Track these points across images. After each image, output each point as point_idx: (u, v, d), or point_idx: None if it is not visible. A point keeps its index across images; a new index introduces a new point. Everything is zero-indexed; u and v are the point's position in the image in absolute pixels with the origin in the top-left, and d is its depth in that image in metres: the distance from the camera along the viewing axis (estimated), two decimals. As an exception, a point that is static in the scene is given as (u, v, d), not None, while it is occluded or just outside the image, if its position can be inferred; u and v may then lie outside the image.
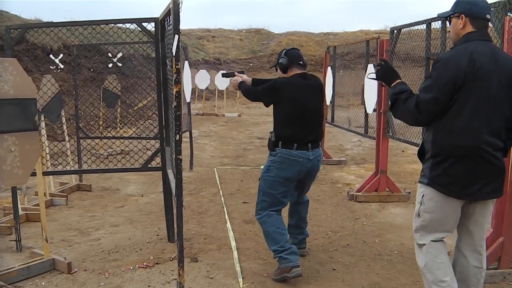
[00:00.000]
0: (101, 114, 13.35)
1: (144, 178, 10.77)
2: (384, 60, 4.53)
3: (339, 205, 8.63)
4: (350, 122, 11.62)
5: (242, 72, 6.43)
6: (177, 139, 4.16)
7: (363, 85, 9.58)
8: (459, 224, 4.25)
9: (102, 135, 12.39)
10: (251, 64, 34.28)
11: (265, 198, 5.66)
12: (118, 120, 14.36)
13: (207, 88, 25.75)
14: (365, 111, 9.79)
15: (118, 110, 14.21)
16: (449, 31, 4.31)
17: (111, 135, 12.67)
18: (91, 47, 10.97)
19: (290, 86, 5.61)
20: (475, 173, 3.97)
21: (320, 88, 5.85)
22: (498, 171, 4.04)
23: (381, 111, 8.81)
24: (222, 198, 9.02)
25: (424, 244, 4.26)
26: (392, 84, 4.36)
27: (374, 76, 4.54)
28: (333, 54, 12.11)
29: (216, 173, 11.27)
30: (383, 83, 4.51)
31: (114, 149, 13.09)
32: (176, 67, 4.10)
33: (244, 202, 8.71)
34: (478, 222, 4.23)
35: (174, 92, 4.14)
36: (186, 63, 10.68)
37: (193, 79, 21.07)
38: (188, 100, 11.28)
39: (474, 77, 3.89)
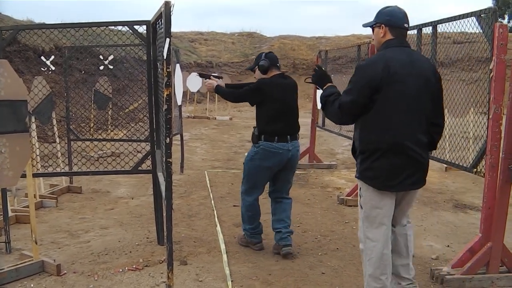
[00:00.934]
0: (92, 116, 13.36)
1: (135, 180, 10.76)
2: (319, 66, 5.10)
3: (329, 209, 8.66)
4: (341, 126, 11.64)
5: (219, 78, 6.90)
6: (167, 142, 4.17)
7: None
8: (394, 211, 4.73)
9: (93, 137, 12.39)
10: (243, 67, 34.25)
11: (247, 183, 6.56)
12: (109, 122, 14.35)
13: (198, 91, 25.78)
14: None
15: (109, 112, 14.20)
16: (373, 39, 4.84)
17: (101, 137, 12.66)
18: (83, 49, 10.97)
19: (272, 86, 6.37)
20: (397, 166, 4.43)
21: (295, 87, 6.56)
22: (420, 165, 4.52)
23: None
24: (212, 201, 9.04)
25: (369, 238, 4.68)
26: (324, 87, 4.86)
27: (310, 80, 5.06)
28: (325, 58, 12.15)
29: (206, 176, 11.28)
30: (317, 86, 4.99)
31: (104, 151, 13.08)
32: (167, 70, 4.12)
33: (234, 206, 8.72)
34: (403, 210, 4.81)
35: (165, 95, 4.16)
36: (178, 66, 10.68)
37: (184, 82, 21.05)
38: (179, 103, 11.27)
39: (390, 80, 4.35)
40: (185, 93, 20.69)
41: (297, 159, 6.56)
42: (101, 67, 15.28)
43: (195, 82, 24.25)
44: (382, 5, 4.73)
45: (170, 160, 4.18)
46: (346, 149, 15.61)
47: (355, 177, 4.73)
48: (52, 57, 12.81)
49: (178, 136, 11.66)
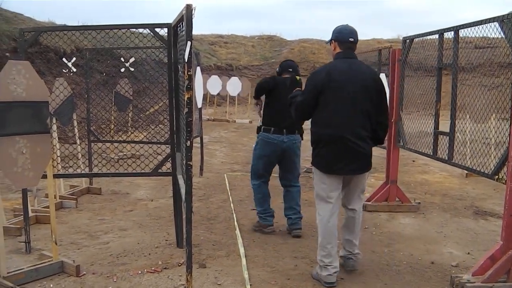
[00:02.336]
0: (112, 118, 13.41)
1: (154, 182, 10.78)
2: (293, 76, 7.19)
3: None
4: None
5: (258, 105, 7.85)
6: (187, 145, 4.17)
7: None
8: (344, 193, 5.91)
9: (113, 139, 12.42)
10: (263, 71, 34.27)
11: (252, 168, 7.68)
12: (129, 124, 14.40)
13: (218, 94, 25.80)
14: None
15: (130, 114, 14.25)
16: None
17: (122, 139, 12.69)
18: (104, 51, 11.02)
19: (272, 84, 7.44)
20: (338, 155, 5.58)
21: (298, 86, 7.07)
22: (359, 154, 5.59)
23: (392, 120, 8.78)
24: (232, 205, 9.03)
25: (319, 213, 5.77)
26: (294, 91, 6.32)
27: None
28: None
29: (226, 179, 11.28)
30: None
31: (124, 153, 13.13)
32: (188, 73, 4.12)
33: (253, 209, 8.69)
34: (351, 190, 5.90)
35: (186, 99, 4.15)
36: (198, 69, 10.70)
37: (205, 85, 21.10)
38: (199, 105, 11.29)
39: (330, 85, 5.56)
40: (205, 96, 20.75)
41: (293, 150, 7.45)
42: (122, 69, 15.34)
43: (215, 85, 24.31)
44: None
45: (191, 163, 4.18)
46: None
47: (311, 163, 5.87)
48: (74, 59, 12.84)
49: (198, 139, 11.69)
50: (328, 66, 5.78)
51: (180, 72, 5.39)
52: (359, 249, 6.11)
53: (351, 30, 5.88)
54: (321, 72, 5.72)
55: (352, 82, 5.58)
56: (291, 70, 7.62)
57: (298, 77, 7.21)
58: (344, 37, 5.81)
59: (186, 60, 4.14)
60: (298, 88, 6.41)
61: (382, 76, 8.97)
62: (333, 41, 5.89)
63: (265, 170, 7.56)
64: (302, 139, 7.62)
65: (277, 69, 7.82)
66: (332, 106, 5.56)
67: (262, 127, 7.47)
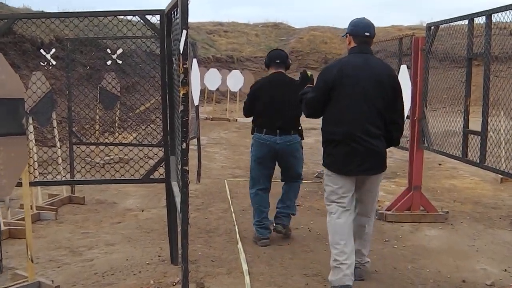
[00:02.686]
0: (97, 117, 13.41)
1: (145, 190, 10.78)
2: (304, 71, 6.98)
3: (366, 225, 8.60)
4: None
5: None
6: (183, 147, 4.15)
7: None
8: (356, 198, 6.16)
9: (98, 141, 12.43)
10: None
11: (250, 173, 8.01)
12: (116, 124, 14.40)
13: (217, 89, 25.82)
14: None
15: (117, 113, 14.25)
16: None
17: (108, 141, 12.72)
18: (88, 42, 11.03)
19: (258, 86, 7.97)
20: (349, 154, 5.85)
21: (289, 85, 7.66)
22: (372, 153, 5.85)
23: (415, 118, 8.77)
24: (233, 215, 9.03)
25: (330, 212, 6.06)
26: (305, 87, 6.63)
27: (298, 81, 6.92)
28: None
29: (226, 186, 11.28)
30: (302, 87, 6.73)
31: (111, 157, 13.11)
32: (184, 66, 4.10)
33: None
34: (366, 193, 6.17)
35: (181, 95, 4.13)
36: (195, 61, 10.68)
37: (202, 79, 21.11)
38: (196, 103, 11.28)
39: (342, 81, 5.86)
40: (202, 92, 20.75)
41: (288, 151, 7.71)
42: (108, 62, 15.33)
43: (213, 79, 24.33)
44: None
45: (187, 168, 4.16)
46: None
47: (322, 164, 6.23)
48: (53, 50, 12.86)
49: (195, 141, 11.67)
50: (341, 62, 6.15)
51: (174, 65, 5.38)
52: (368, 257, 6.42)
53: (368, 24, 6.16)
54: (333, 67, 6.07)
55: (365, 78, 5.88)
56: (278, 61, 7.93)
57: (309, 73, 7.17)
58: (359, 31, 6.09)
59: (181, 52, 4.12)
60: (309, 85, 6.66)
61: (404, 68, 8.95)
62: (348, 34, 6.17)
63: (262, 174, 7.85)
64: (303, 139, 7.91)
65: (265, 60, 8.14)
66: (343, 103, 5.87)
67: (255, 128, 7.84)
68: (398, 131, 6.16)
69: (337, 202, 5.99)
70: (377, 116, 5.86)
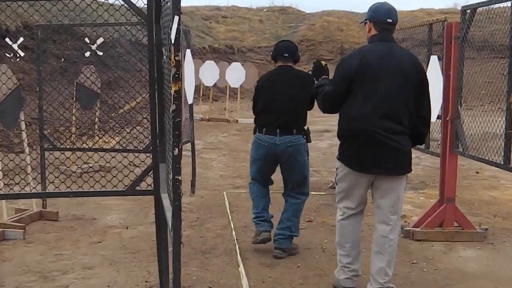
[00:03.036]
0: (74, 118, 13.42)
1: (130, 204, 10.80)
2: (318, 61, 7.43)
3: (390, 245, 8.59)
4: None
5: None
6: (175, 153, 4.15)
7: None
8: (373, 201, 6.55)
9: (75, 146, 12.43)
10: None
11: (250, 170, 8.57)
12: (96, 127, 14.41)
13: (215, 85, 25.84)
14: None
15: (97, 114, 14.26)
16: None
17: (87, 147, 12.72)
18: (62, 29, 11.03)
19: (262, 82, 8.43)
20: (368, 151, 6.21)
21: (296, 79, 8.11)
22: (393, 151, 6.19)
23: (447, 118, 8.76)
24: (234, 233, 9.06)
25: (338, 212, 6.69)
26: (319, 79, 6.99)
27: (311, 72, 7.41)
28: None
29: (225, 199, 11.30)
30: (315, 79, 7.20)
31: (90, 165, 13.14)
32: (176, 58, 4.10)
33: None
34: (384, 196, 6.41)
35: (173, 92, 4.13)
36: (188, 52, 10.70)
37: (197, 74, 21.12)
38: (190, 101, 11.28)
39: (363, 73, 6.21)
40: (197, 88, 20.72)
41: (289, 154, 7.97)
42: (87, 53, 15.33)
43: (210, 73, 24.34)
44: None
45: (179, 178, 4.16)
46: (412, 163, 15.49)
47: (336, 157, 6.68)
48: (21, 39, 12.87)
49: (189, 145, 11.69)
50: (362, 51, 6.49)
51: (164, 57, 5.38)
52: (392, 282, 6.49)
53: (390, 9, 6.46)
54: (354, 57, 6.41)
55: (389, 69, 6.23)
56: (287, 55, 8.22)
57: (323, 62, 7.47)
58: (381, 17, 6.41)
59: (172, 41, 4.12)
60: (324, 76, 7.00)
61: (434, 60, 8.95)
62: (367, 21, 6.51)
63: (262, 175, 8.39)
64: (309, 141, 8.21)
65: (272, 52, 8.50)
66: (364, 96, 6.25)
67: (256, 128, 8.30)
68: (425, 127, 6.55)
69: (346, 203, 6.60)
70: (401, 110, 6.21)
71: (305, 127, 8.19)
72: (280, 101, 8.01)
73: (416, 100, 6.28)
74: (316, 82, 7.12)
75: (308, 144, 8.17)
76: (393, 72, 6.20)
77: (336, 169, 6.70)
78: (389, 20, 6.36)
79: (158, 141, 6.32)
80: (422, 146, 10.16)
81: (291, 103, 7.97)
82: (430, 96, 8.92)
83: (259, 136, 8.14)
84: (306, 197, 8.34)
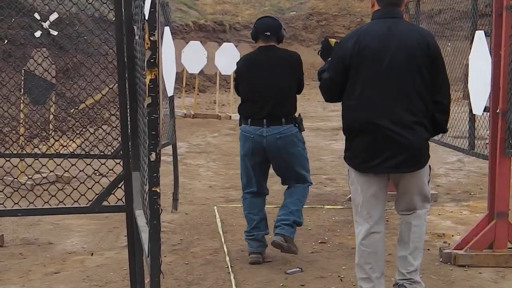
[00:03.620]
0: (22, 115, 13.43)
1: (96, 224, 10.82)
2: (326, 39, 7.85)
3: (425, 271, 8.59)
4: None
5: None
6: (152, 159, 4.17)
7: (467, 66, 9.57)
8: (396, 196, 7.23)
9: (24, 152, 12.45)
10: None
11: (240, 174, 9.21)
12: (51, 127, 14.41)
13: (201, 73, 25.83)
14: (470, 111, 9.76)
15: (52, 110, 14.27)
16: None
17: (39, 152, 12.75)
18: (4, 2, 11.02)
19: (244, 63, 9.11)
20: (373, 147, 6.68)
21: (283, 60, 8.81)
22: (401, 146, 6.60)
23: (497, 110, 8.74)
24: (227, 258, 9.08)
25: (356, 222, 7.08)
26: (326, 62, 7.38)
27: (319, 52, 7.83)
28: (415, 13, 12.15)
29: (217, 215, 11.33)
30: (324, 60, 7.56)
31: (44, 176, 13.13)
32: (151, 38, 4.12)
33: (265, 261, 8.73)
34: (403, 193, 7.08)
35: (148, 81, 4.15)
36: (167, 30, 10.71)
37: (178, 58, 21.11)
38: (170, 93, 11.29)
39: (359, 56, 6.64)
40: (178, 76, 20.70)
41: (282, 148, 8.66)
42: (37, 33, 15.32)
43: (195, 57, 24.30)
44: None
45: (157, 190, 4.17)
46: (452, 168, 15.58)
47: (343, 158, 7.27)
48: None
49: (169, 149, 11.70)
50: (358, 31, 7.02)
51: (136, 37, 5.40)
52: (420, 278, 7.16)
53: None
54: (349, 39, 6.93)
55: (391, 50, 6.67)
56: (268, 33, 8.86)
57: (333, 41, 7.87)
58: None
59: (146, 17, 4.14)
60: (330, 59, 7.35)
61: (480, 35, 8.97)
62: None
63: (250, 174, 9.03)
64: (302, 130, 8.92)
65: (252, 31, 9.22)
66: (364, 84, 6.74)
67: (241, 119, 9.02)
68: (444, 114, 7.01)
69: (361, 212, 6.97)
70: (410, 98, 6.68)
71: (296, 115, 8.83)
72: (264, 87, 8.65)
73: (430, 83, 6.73)
74: (322, 65, 7.51)
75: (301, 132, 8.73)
76: (396, 52, 6.63)
77: (348, 170, 7.19)
78: None
79: (130, 144, 6.35)
80: (465, 147, 10.24)
81: (276, 89, 8.63)
82: (476, 82, 9.01)
83: (244, 128, 8.80)
84: (309, 183, 9.14)
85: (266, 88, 8.64)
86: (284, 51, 9.09)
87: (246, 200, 9.07)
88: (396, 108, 6.60)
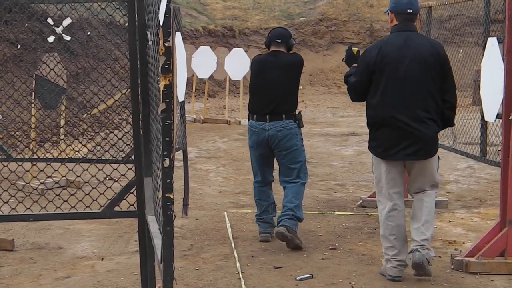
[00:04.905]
0: (33, 120, 13.41)
1: (106, 229, 10.80)
2: (350, 47, 9.30)
3: (437, 279, 8.57)
4: (455, 136, 11.59)
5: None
6: (166, 165, 4.13)
7: (477, 72, 9.53)
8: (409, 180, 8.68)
9: (35, 156, 12.43)
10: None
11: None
12: (63, 131, 14.39)
13: (211, 78, 25.81)
14: (482, 117, 9.71)
15: (63, 114, 14.25)
16: None
17: (51, 157, 12.72)
18: (17, 7, 11.00)
19: (255, 63, 10.39)
20: (392, 138, 8.17)
21: (289, 64, 10.07)
22: (416, 137, 8.12)
23: (510, 117, 8.70)
24: (238, 264, 9.06)
25: (379, 203, 8.57)
26: (351, 67, 8.88)
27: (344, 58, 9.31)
28: (427, 19, 12.12)
29: (227, 221, 11.30)
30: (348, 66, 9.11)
31: (56, 180, 13.10)
32: (165, 44, 4.09)
33: (276, 267, 8.69)
34: (416, 180, 8.52)
35: (162, 87, 4.11)
36: (178, 35, 10.68)
37: (188, 63, 21.08)
38: (181, 98, 11.26)
39: (382, 63, 8.13)
40: (189, 81, 20.68)
41: (281, 138, 9.84)
42: (50, 38, 15.30)
43: (205, 62, 24.27)
44: None
45: (171, 196, 4.13)
46: (463, 175, 15.51)
47: (368, 148, 8.81)
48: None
49: (180, 154, 11.67)
50: (380, 42, 8.63)
51: (149, 43, 5.37)
52: (430, 246, 8.45)
53: (410, 0, 8.33)
54: (373, 49, 8.46)
55: (408, 58, 8.19)
56: (279, 41, 10.15)
57: (355, 49, 9.20)
58: (401, 8, 8.34)
59: (161, 22, 4.11)
60: (355, 65, 8.87)
61: (492, 42, 8.93)
62: (389, 12, 8.52)
63: (258, 163, 10.32)
64: (302, 126, 10.08)
65: (265, 40, 10.61)
66: (385, 86, 8.23)
67: (249, 114, 10.25)
68: (451, 110, 8.50)
69: (384, 192, 8.45)
70: (424, 98, 8.20)
71: (297, 112, 10.08)
72: (269, 86, 9.94)
73: (440, 85, 8.29)
74: (348, 70, 9.05)
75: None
76: (412, 61, 8.16)
77: (372, 158, 8.74)
78: (409, 11, 8.30)
79: (142, 149, 6.30)
80: (477, 153, 10.21)
81: (280, 88, 9.92)
82: (488, 88, 9.20)
83: (250, 123, 10.11)
84: (304, 181, 10.20)
85: (271, 88, 9.90)
86: (289, 55, 10.24)
87: (255, 188, 10.35)
88: (412, 106, 8.12)
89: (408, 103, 8.15)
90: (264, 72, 10.10)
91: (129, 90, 6.43)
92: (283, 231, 9.36)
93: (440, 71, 8.27)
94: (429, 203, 8.46)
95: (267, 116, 9.85)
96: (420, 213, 8.39)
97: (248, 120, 10.26)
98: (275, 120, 9.83)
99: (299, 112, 10.12)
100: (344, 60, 9.37)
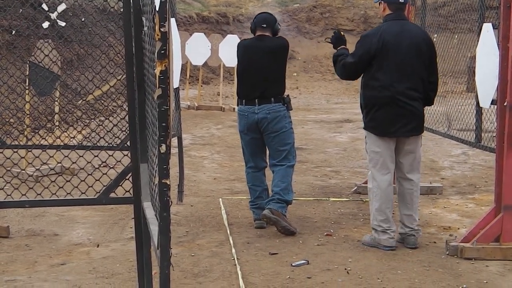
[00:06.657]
0: (27, 107, 13.38)
1: (101, 215, 10.80)
2: (338, 30, 10.11)
3: (432, 264, 8.59)
4: (450, 122, 11.59)
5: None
6: (162, 151, 4.11)
7: (473, 58, 9.52)
8: (396, 162, 9.18)
9: (29, 143, 12.41)
10: (282, 26, 34.39)
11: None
12: (57, 118, 14.36)
13: (205, 64, 25.77)
14: (477, 103, 9.71)
15: (58, 101, 14.22)
16: None
17: (46, 143, 12.70)
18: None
19: (241, 48, 10.57)
20: (393, 116, 8.84)
21: (275, 48, 10.28)
22: (413, 115, 8.92)
23: (505, 103, 8.69)
24: (233, 250, 9.07)
25: (374, 178, 9.13)
26: (338, 49, 9.65)
27: (329, 40, 9.98)
28: (422, 6, 12.10)
29: (222, 208, 11.32)
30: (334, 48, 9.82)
31: (51, 167, 13.08)
32: (161, 30, 4.07)
33: (271, 254, 8.69)
34: (406, 155, 9.18)
35: (158, 73, 4.09)
36: (173, 22, 10.66)
37: (182, 49, 21.03)
38: (176, 84, 11.24)
39: (382, 49, 8.83)
40: (182, 68, 20.66)
41: (271, 121, 10.02)
42: (45, 24, 15.25)
43: (199, 49, 24.24)
44: None
45: (167, 182, 4.12)
46: (457, 161, 15.52)
47: (363, 128, 9.43)
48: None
49: (174, 141, 11.65)
50: (380, 29, 9.16)
51: (145, 28, 5.35)
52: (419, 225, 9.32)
53: None
54: (373, 35, 9.14)
55: (404, 45, 8.93)
56: (265, 25, 10.38)
57: (342, 33, 9.96)
58: None
59: (157, 8, 4.09)
60: (343, 46, 9.72)
61: (487, 28, 8.92)
62: (381, 2, 9.14)
63: (249, 150, 10.45)
64: (290, 109, 10.29)
65: (251, 25, 10.78)
66: (386, 70, 8.91)
67: (238, 99, 10.54)
68: (434, 91, 9.42)
69: (378, 168, 9.08)
70: (416, 80, 8.98)
71: (285, 95, 10.29)
72: (257, 70, 10.16)
73: (428, 69, 9.11)
74: (336, 51, 9.72)
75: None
76: (409, 48, 8.93)
77: (365, 137, 9.37)
78: (401, 0, 9.04)
79: (138, 135, 6.28)
80: (471, 139, 10.23)
81: (268, 72, 10.13)
82: (483, 75, 9.24)
83: (240, 108, 10.32)
84: (292, 162, 10.35)
85: (257, 72, 10.13)
86: (275, 39, 10.47)
87: (248, 174, 10.48)
88: (409, 87, 8.90)
89: (405, 85, 8.86)
90: (250, 57, 10.34)
91: (124, 76, 6.41)
92: (267, 213, 9.57)
93: (429, 56, 9.14)
94: (417, 192, 9.30)
95: (256, 100, 10.05)
96: (411, 202, 9.19)
97: (237, 105, 10.53)
98: (264, 104, 10.02)
99: (288, 95, 10.34)
100: (330, 41, 9.97)
